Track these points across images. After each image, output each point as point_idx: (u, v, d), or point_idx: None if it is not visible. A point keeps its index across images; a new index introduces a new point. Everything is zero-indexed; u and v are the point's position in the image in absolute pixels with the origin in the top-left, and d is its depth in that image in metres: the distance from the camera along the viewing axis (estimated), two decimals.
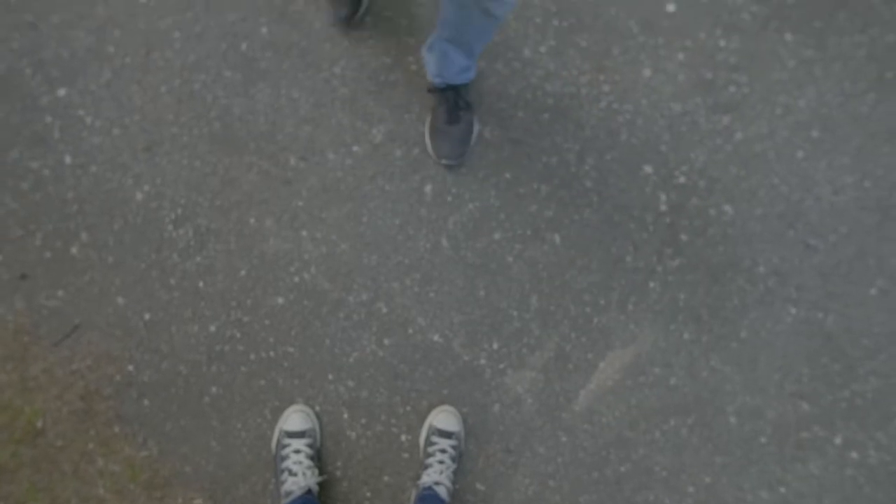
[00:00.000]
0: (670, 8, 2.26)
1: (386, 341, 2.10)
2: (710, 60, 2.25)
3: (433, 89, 2.08)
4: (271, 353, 2.09)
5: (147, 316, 2.09)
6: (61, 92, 2.16)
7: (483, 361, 2.10)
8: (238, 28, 2.19)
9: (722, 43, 2.26)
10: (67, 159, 2.14)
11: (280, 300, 2.10)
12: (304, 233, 2.13)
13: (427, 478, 1.93)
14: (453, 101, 2.08)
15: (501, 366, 2.10)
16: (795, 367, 2.12)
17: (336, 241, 2.13)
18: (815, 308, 2.16)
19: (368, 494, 2.06)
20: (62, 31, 2.18)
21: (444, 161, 2.12)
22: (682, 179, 2.20)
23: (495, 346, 2.10)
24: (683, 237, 2.17)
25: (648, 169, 2.20)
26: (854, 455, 2.09)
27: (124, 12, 2.19)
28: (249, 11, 2.20)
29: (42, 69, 2.17)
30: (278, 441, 1.99)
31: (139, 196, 2.13)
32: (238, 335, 2.09)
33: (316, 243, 2.13)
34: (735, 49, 2.26)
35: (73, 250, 2.10)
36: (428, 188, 2.16)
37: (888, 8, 2.30)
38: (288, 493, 1.90)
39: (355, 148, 2.17)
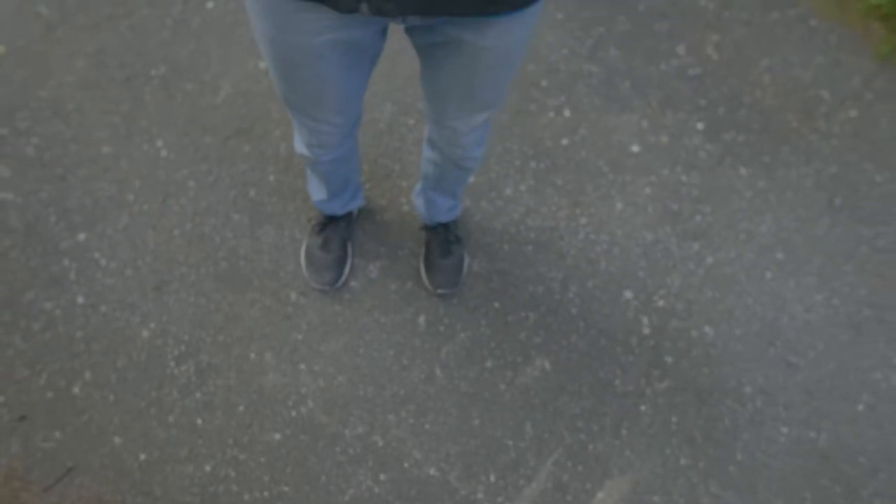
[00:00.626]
0: (634, 149, 1.42)
1: (382, 476, 1.15)
2: (674, 194, 1.39)
3: (425, 227, 1.22)
4: (265, 494, 1.14)
5: (143, 456, 1.16)
6: (81, 237, 1.30)
7: (480, 495, 1.14)
8: (248, 177, 1.36)
9: (683, 178, 1.41)
10: (80, 299, 1.26)
11: (277, 436, 1.18)
12: (302, 366, 1.22)
13: None
14: (444, 236, 1.24)
15: (499, 499, 1.15)
16: (797, 490, 1.16)
17: (333, 374, 1.22)
18: (806, 427, 1.22)
19: None
20: (88, 182, 1.35)
21: (439, 291, 1.26)
22: (661, 303, 1.30)
23: (492, 478, 1.16)
24: (668, 359, 1.26)
25: (629, 294, 1.30)
26: None
27: (146, 165, 1.36)
28: (258, 162, 1.37)
29: (66, 216, 1.32)
30: None
31: (145, 334, 1.23)
32: (233, 474, 1.15)
33: (314, 376, 1.22)
34: (696, 183, 1.40)
35: (76, 389, 1.20)
36: (421, 319, 1.26)
37: (826, 143, 1.46)
38: None
39: (353, 283, 1.28)
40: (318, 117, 0.84)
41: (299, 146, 0.99)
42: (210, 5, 1.57)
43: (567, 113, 1.46)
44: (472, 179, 1.39)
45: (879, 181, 1.47)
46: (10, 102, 1.45)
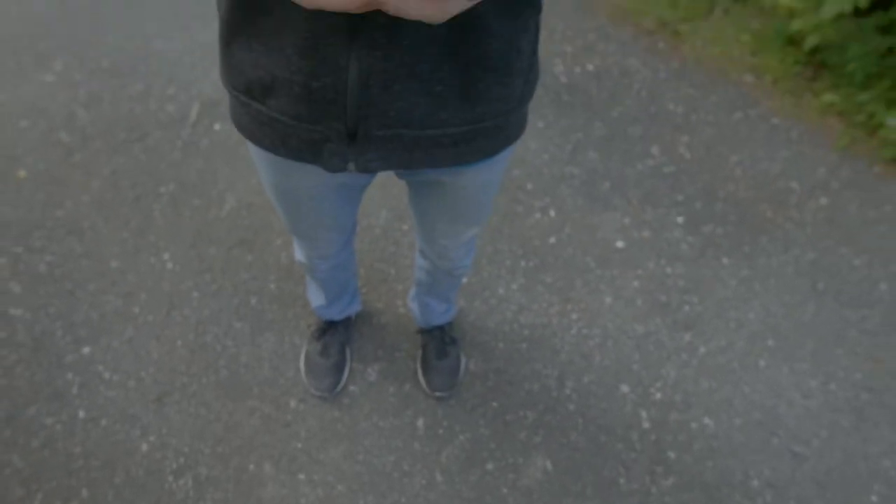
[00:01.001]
0: (619, 244, 1.51)
1: None
2: (661, 285, 1.45)
3: (421, 330, 1.27)
4: None
5: None
6: (86, 350, 1.35)
7: None
8: (249, 285, 1.42)
9: (669, 270, 1.48)
10: (81, 413, 1.28)
11: None
12: (301, 476, 1.22)
13: None
14: (440, 338, 1.28)
15: None
16: None
17: (333, 483, 1.21)
18: None
19: None
20: (96, 296, 1.41)
21: (437, 393, 1.29)
22: (658, 396, 1.32)
23: None
24: (671, 454, 1.25)
25: (625, 388, 1.33)
26: None
27: (152, 277, 1.43)
28: (260, 270, 1.44)
29: (72, 330, 1.37)
30: None
31: (144, 447, 1.24)
32: None
33: (313, 486, 1.21)
34: (681, 274, 1.47)
35: None
36: (420, 422, 1.28)
37: (801, 231, 1.54)
38: None
39: (352, 387, 1.31)
40: (318, 238, 0.92)
41: (299, 255, 1.07)
42: (217, 127, 1.72)
43: (552, 213, 1.56)
44: (465, 280, 1.46)
45: (857, 265, 1.54)
46: (28, 222, 1.55)
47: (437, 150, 0.59)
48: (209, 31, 1.93)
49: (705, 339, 1.42)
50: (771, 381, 1.38)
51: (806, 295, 1.49)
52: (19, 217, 1.55)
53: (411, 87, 0.51)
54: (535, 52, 0.60)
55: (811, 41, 1.79)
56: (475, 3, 0.32)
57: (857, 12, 1.73)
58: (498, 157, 0.70)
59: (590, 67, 1.83)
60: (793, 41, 1.87)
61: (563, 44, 1.88)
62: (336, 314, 1.30)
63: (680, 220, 1.58)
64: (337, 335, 1.33)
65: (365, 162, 0.59)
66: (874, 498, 1.25)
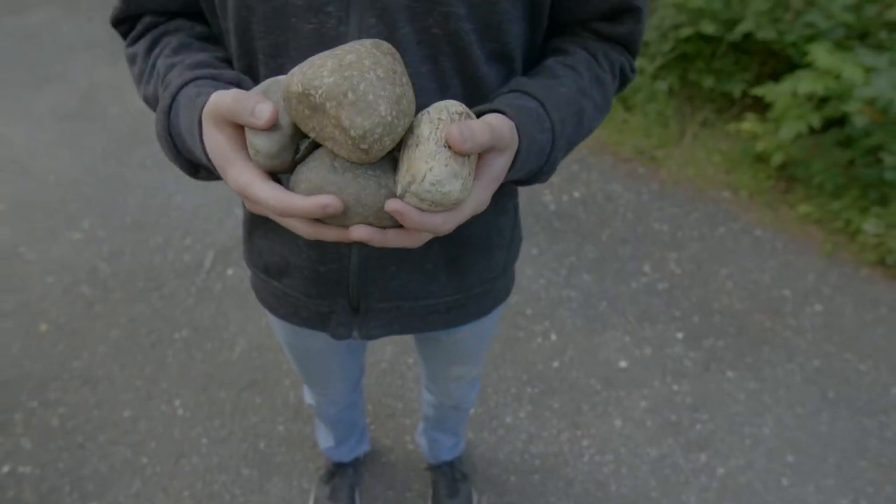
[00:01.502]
0: (622, 364, 1.54)
1: None
2: (669, 403, 1.47)
3: (430, 466, 1.28)
4: None
5: None
6: None
7: None
8: (259, 428, 1.45)
9: (675, 387, 1.50)
10: None
11: None
12: None
13: None
14: (450, 475, 1.28)
15: None
16: None
17: None
18: None
19: None
20: (105, 447, 1.44)
21: None
22: None
23: None
24: None
25: None
26: None
27: (162, 425, 1.46)
28: (269, 412, 1.48)
29: (79, 485, 1.38)
30: None
31: None
32: None
33: None
34: (688, 391, 1.49)
35: None
36: None
37: (802, 339, 1.58)
38: None
39: None
40: (328, 385, 0.98)
41: (309, 399, 1.11)
42: (230, 272, 1.84)
43: (553, 336, 1.61)
44: (472, 411, 1.48)
45: (864, 370, 1.55)
46: (45, 375, 1.61)
47: (431, 316, 0.67)
48: (224, 186, 2.13)
49: (722, 458, 1.40)
50: (797, 500, 1.33)
51: (818, 404, 1.49)
52: (37, 370, 1.62)
53: (405, 268, 0.61)
54: (516, 225, 0.70)
55: (777, 159, 1.95)
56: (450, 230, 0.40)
57: (814, 130, 1.91)
58: (488, 315, 0.78)
59: (576, 195, 1.99)
60: (761, 159, 2.04)
61: None
62: (345, 455, 1.31)
63: (679, 335, 1.63)
64: (346, 478, 1.33)
65: (367, 330, 0.67)
66: None
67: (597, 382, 1.53)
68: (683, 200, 1.96)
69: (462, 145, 0.36)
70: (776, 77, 2.08)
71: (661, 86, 2.15)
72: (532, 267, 1.77)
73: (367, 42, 0.37)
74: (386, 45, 0.37)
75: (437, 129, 0.37)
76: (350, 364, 0.92)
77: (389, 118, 0.35)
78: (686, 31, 2.08)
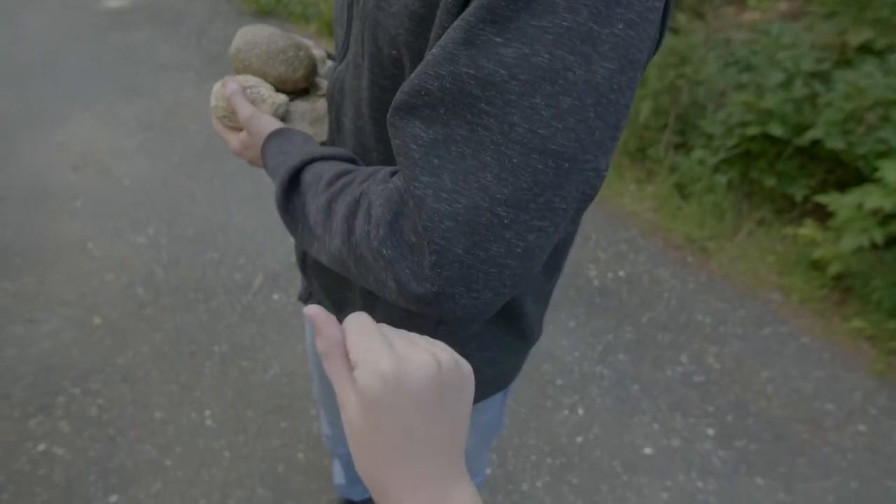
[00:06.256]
0: (647, 451, 1.61)
1: None
2: (692, 500, 1.52)
3: None
4: None
5: None
6: (113, 498, 1.49)
7: None
8: (279, 452, 1.58)
9: (699, 484, 1.55)
10: None
11: None
12: None
13: None
14: None
15: None
16: None
17: None
18: None
19: None
20: (134, 444, 1.59)
21: None
22: None
23: None
24: None
25: None
26: None
27: (189, 432, 1.61)
28: (291, 438, 1.61)
29: (105, 476, 1.53)
30: None
31: None
32: None
33: None
34: (713, 490, 1.54)
35: None
36: None
37: (842, 457, 1.62)
38: None
39: None
40: (335, 415, 1.10)
41: (325, 427, 1.22)
42: (276, 297, 2.02)
43: (581, 411, 1.70)
44: (489, 472, 1.57)
45: None
46: (90, 366, 1.80)
47: None
48: None
49: None
50: None
51: None
52: (85, 359, 1.81)
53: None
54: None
55: (834, 268, 2.03)
56: None
57: (876, 245, 1.99)
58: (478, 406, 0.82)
59: (621, 274, 2.11)
60: (817, 266, 2.12)
61: (596, 251, 2.20)
62: (356, 495, 1.41)
63: (711, 431, 1.69)
64: None
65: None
66: None
67: (619, 465, 1.60)
68: (731, 296, 2.05)
69: (225, 91, 0.65)
70: (841, 186, 2.18)
71: (721, 179, 2.29)
72: (568, 339, 1.88)
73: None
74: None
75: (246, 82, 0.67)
76: None
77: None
78: (753, 130, 2.23)
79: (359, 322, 0.35)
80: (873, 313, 1.97)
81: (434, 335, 0.67)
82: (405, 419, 0.32)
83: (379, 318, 0.70)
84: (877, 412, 1.76)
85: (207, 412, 1.69)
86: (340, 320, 0.79)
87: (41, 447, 1.60)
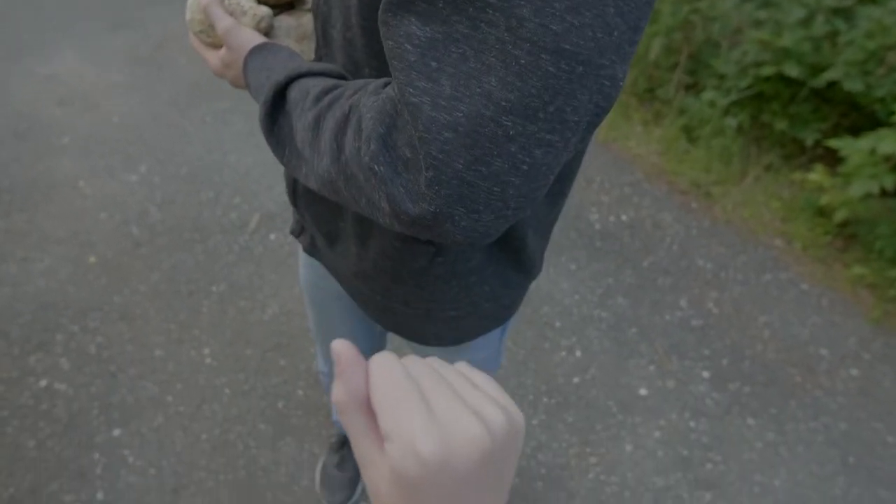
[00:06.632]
0: (643, 392, 1.65)
1: None
2: (684, 439, 1.57)
3: None
4: None
5: None
6: (116, 432, 1.53)
7: None
8: (279, 389, 1.62)
9: (692, 424, 1.60)
10: (100, 495, 1.43)
11: None
12: None
13: None
14: None
15: None
16: None
17: None
18: None
19: None
20: (135, 380, 1.63)
21: None
22: None
23: None
24: None
25: None
26: None
27: (190, 369, 1.64)
28: (291, 376, 1.64)
29: (107, 411, 1.57)
30: None
31: None
32: None
33: None
34: (705, 430, 1.59)
35: None
36: None
37: (833, 400, 1.66)
38: None
39: None
40: (329, 350, 1.12)
41: (321, 363, 1.23)
42: (272, 237, 2.02)
43: (578, 353, 1.74)
44: None
45: (892, 442, 1.63)
46: (88, 304, 1.82)
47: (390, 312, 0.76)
48: None
49: (727, 501, 1.50)
50: None
51: (837, 468, 1.57)
52: (81, 298, 1.83)
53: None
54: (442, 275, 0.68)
55: (840, 215, 2.03)
56: None
57: (885, 192, 1.98)
58: (466, 345, 0.82)
59: (624, 218, 2.11)
60: (822, 212, 2.12)
61: (599, 194, 2.18)
62: None
63: (706, 374, 1.73)
64: None
65: (360, 304, 0.81)
66: None
67: (614, 405, 1.64)
68: (733, 241, 2.05)
69: (201, 1, 0.61)
70: (854, 131, 2.15)
71: (731, 122, 2.25)
72: (568, 282, 1.90)
73: None
74: None
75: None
76: (361, 335, 1.02)
77: None
78: (768, 70, 2.17)
79: (386, 371, 0.29)
80: (875, 261, 1.98)
81: (430, 269, 0.65)
82: (447, 498, 0.27)
83: (372, 253, 0.67)
84: (870, 357, 1.80)
85: (207, 350, 1.72)
86: (333, 255, 0.78)
87: (43, 383, 1.64)
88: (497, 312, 0.76)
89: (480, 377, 0.31)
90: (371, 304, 0.77)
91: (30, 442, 1.53)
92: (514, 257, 0.69)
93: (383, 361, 0.29)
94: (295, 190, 0.75)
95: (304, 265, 0.97)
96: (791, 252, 2.04)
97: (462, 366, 0.33)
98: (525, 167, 0.38)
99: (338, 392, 0.29)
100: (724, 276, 1.95)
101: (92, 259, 1.93)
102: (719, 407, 1.66)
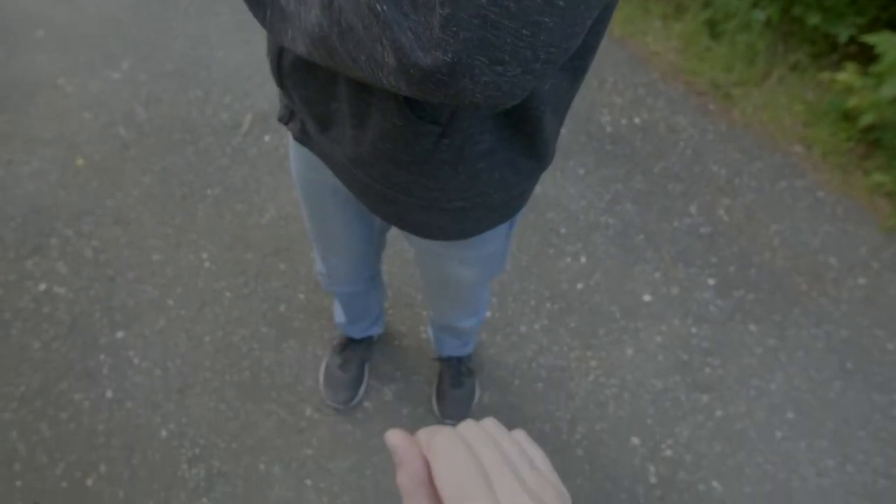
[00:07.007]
0: (646, 298, 1.71)
1: None
2: (685, 344, 1.64)
3: (438, 358, 1.50)
4: None
5: None
6: (119, 334, 1.60)
7: None
8: (280, 293, 1.67)
9: (694, 330, 1.67)
10: (109, 394, 1.52)
11: None
12: (308, 482, 1.42)
13: None
14: (456, 368, 1.50)
15: None
16: None
17: (338, 493, 1.42)
18: None
19: None
20: (134, 284, 1.68)
21: (447, 421, 1.50)
22: (668, 452, 1.49)
23: None
24: None
25: (636, 441, 1.51)
26: None
27: (189, 273, 1.69)
28: (291, 280, 1.69)
29: (109, 314, 1.63)
30: None
31: (163, 433, 1.47)
32: None
33: (318, 493, 1.42)
34: (706, 336, 1.66)
35: (89, 482, 1.42)
36: None
37: (836, 308, 1.72)
38: None
39: (367, 404, 1.53)
40: (326, 249, 1.11)
41: (319, 264, 1.22)
42: (267, 138, 2.01)
43: (583, 259, 1.78)
44: (488, 315, 1.67)
45: (891, 349, 1.71)
46: (80, 208, 1.84)
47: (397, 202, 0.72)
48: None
49: (723, 402, 1.60)
50: (786, 454, 1.53)
51: (834, 372, 1.66)
52: (73, 202, 1.85)
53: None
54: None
55: (866, 119, 2.00)
56: None
57: None
58: (472, 241, 0.81)
59: (637, 121, 2.08)
60: (847, 116, 2.09)
61: (612, 95, 2.14)
62: (356, 333, 1.52)
63: (711, 281, 1.78)
64: (357, 351, 1.55)
65: (356, 194, 0.78)
66: None
67: (617, 310, 1.71)
68: (750, 146, 2.04)
69: None
70: (894, 26, 2.07)
71: (759, 15, 2.16)
72: (575, 187, 1.90)
73: None
74: None
75: None
76: (359, 234, 1.02)
77: None
78: None
79: (450, 455, 0.30)
80: None
81: (435, 152, 0.61)
82: None
83: (370, 135, 0.63)
84: (879, 266, 1.84)
85: (205, 255, 1.76)
86: (326, 141, 0.74)
87: (42, 287, 1.69)
88: (506, 204, 0.74)
89: (538, 453, 0.33)
90: (370, 194, 0.73)
91: (35, 343, 1.61)
92: (528, 141, 0.65)
93: (446, 444, 0.31)
94: (280, 67, 0.68)
95: (294, 157, 0.91)
96: (810, 158, 2.03)
97: (520, 436, 0.34)
98: (561, 3, 0.33)
99: (401, 478, 0.31)
100: (738, 183, 1.96)
101: (80, 161, 1.93)
102: (722, 313, 1.72)
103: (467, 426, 0.33)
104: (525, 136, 0.64)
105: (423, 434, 0.32)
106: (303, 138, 0.79)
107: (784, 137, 2.06)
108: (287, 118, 0.79)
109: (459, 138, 0.60)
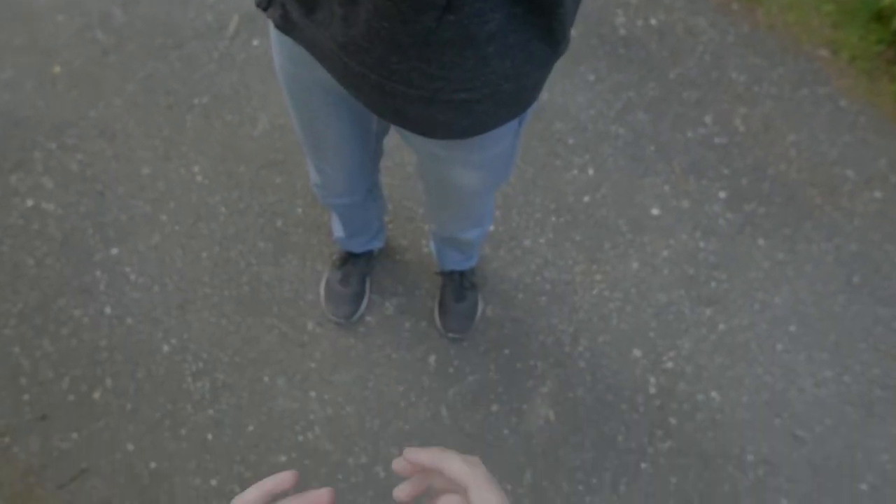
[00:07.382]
0: (655, 212, 1.73)
1: None
2: (691, 258, 1.68)
3: (441, 272, 1.54)
4: None
5: (153, 465, 1.44)
6: (114, 251, 1.63)
7: None
8: (276, 207, 1.69)
9: (702, 244, 1.70)
10: (108, 310, 1.57)
11: (282, 458, 1.45)
12: (312, 394, 1.51)
13: None
14: (459, 282, 1.54)
15: None
16: None
17: (342, 404, 1.50)
18: (808, 501, 1.45)
19: None
20: (125, 199, 1.69)
21: (450, 335, 1.55)
22: (669, 364, 1.57)
23: None
24: (673, 420, 1.51)
25: (638, 353, 1.58)
26: None
27: (181, 188, 1.70)
28: (287, 194, 1.71)
29: (101, 230, 1.66)
30: None
31: (165, 348, 1.53)
32: (238, 490, 1.41)
33: (322, 404, 1.50)
34: (714, 250, 1.69)
35: (96, 395, 1.49)
36: (432, 359, 1.55)
37: (849, 222, 1.75)
38: None
39: (368, 318, 1.58)
40: (319, 157, 1.07)
41: (313, 175, 1.19)
42: (255, 42, 1.95)
43: (591, 171, 1.78)
44: (491, 229, 1.70)
45: None
46: (61, 119, 1.82)
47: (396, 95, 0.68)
48: None
49: (727, 316, 1.65)
50: (786, 365, 1.61)
51: (840, 286, 1.71)
52: (53, 113, 1.82)
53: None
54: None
55: None
56: None
57: None
58: (477, 141, 0.78)
59: (653, 22, 2.01)
60: (880, 17, 2.02)
61: None
62: (356, 247, 1.55)
63: (722, 194, 1.79)
64: (358, 266, 1.59)
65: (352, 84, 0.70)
66: (864, 486, 1.50)
67: (624, 224, 1.73)
68: (773, 51, 1.99)
69: None
70: None
71: None
72: (584, 94, 1.87)
73: None
74: None
75: None
76: (352, 140, 0.98)
77: None
78: None
79: None
80: None
81: (438, 31, 0.57)
82: None
83: (364, 12, 0.58)
84: None
85: (196, 168, 1.76)
86: (312, 26, 0.68)
87: (29, 203, 1.71)
88: (516, 97, 0.69)
89: None
90: (364, 86, 0.67)
91: (28, 260, 1.64)
92: (544, 22, 0.60)
93: None
94: None
95: (277, 50, 0.84)
96: (835, 64, 1.98)
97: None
98: None
99: None
100: (757, 91, 1.93)
101: (57, 69, 1.89)
102: (731, 227, 1.75)
103: None
104: (540, 14, 0.59)
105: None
106: (285, 26, 0.72)
107: (810, 40, 2.01)
108: (266, 3, 0.72)
109: (466, 14, 0.55)
